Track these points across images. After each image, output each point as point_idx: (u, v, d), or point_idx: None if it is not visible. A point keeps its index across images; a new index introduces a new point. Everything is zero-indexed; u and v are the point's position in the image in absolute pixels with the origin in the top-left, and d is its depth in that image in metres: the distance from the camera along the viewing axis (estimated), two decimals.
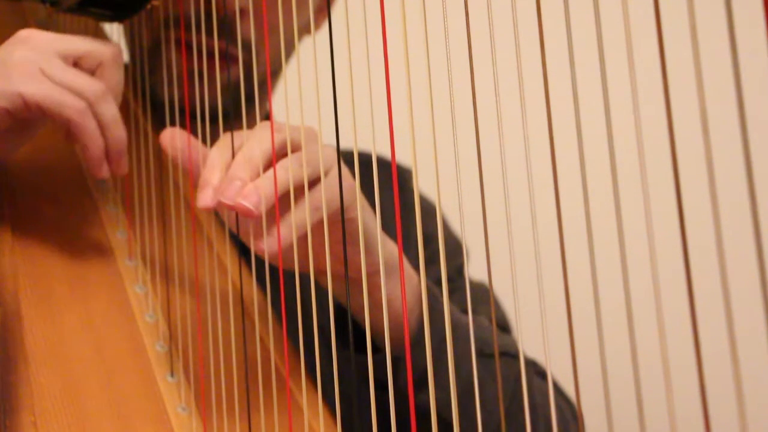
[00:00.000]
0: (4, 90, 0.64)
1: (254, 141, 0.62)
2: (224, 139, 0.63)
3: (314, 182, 0.61)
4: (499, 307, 0.97)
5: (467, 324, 0.75)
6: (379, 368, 0.54)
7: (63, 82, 0.65)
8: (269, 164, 0.60)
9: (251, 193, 0.58)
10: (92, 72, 0.68)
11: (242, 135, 0.63)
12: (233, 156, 0.62)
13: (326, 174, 0.62)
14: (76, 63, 0.68)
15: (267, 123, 0.63)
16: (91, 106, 0.66)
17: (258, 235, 0.59)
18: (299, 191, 0.60)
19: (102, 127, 0.66)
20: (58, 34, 0.68)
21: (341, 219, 0.58)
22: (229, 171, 0.60)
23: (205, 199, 0.60)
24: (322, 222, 0.60)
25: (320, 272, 0.68)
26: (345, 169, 0.63)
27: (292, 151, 0.61)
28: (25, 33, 0.67)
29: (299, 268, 0.60)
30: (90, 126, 0.66)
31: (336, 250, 0.64)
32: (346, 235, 0.58)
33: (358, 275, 0.65)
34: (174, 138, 0.66)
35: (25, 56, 0.65)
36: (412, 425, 0.46)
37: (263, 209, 0.58)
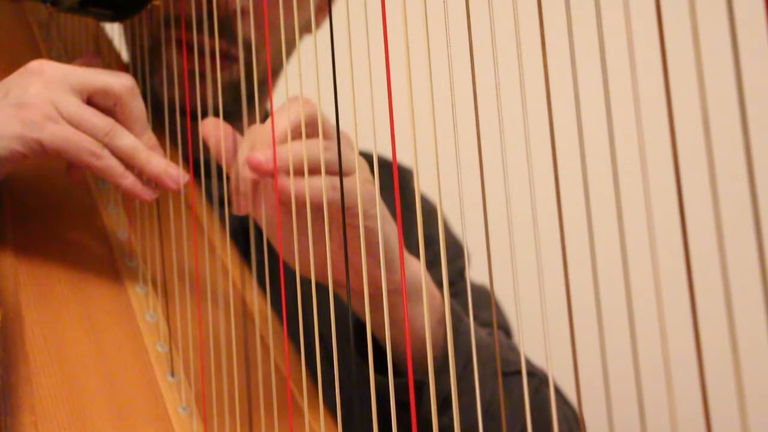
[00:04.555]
0: (23, 136, 0.63)
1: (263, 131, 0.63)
2: (246, 138, 0.65)
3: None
4: (500, 310, 0.97)
5: (487, 345, 0.75)
6: (397, 392, 0.54)
7: (79, 123, 0.65)
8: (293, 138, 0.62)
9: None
10: (109, 108, 0.68)
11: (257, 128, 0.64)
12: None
13: (350, 175, 0.62)
14: (90, 97, 0.67)
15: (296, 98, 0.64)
16: (106, 145, 0.66)
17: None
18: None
19: (125, 159, 0.66)
20: (70, 66, 0.68)
21: (342, 222, 0.58)
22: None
23: (238, 207, 0.64)
24: (338, 229, 0.60)
25: (339, 285, 0.68)
26: (369, 176, 0.64)
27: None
28: (37, 65, 0.66)
29: (305, 274, 0.60)
30: (110, 165, 0.66)
31: (356, 264, 0.64)
32: (363, 244, 0.58)
33: (375, 291, 0.63)
34: (217, 128, 0.67)
35: (41, 95, 0.65)
36: None
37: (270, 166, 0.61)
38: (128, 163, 0.67)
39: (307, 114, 0.63)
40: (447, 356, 0.70)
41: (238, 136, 0.67)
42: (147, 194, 0.68)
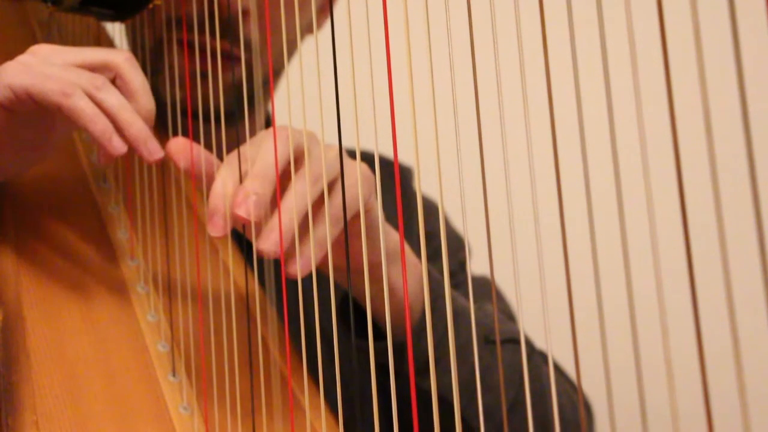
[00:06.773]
0: None
1: (263, 155, 0.61)
2: (230, 159, 0.62)
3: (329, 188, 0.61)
4: (502, 299, 0.97)
5: (472, 310, 0.75)
6: (384, 355, 0.55)
7: (58, 75, 0.64)
8: (282, 175, 0.60)
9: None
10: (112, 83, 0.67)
11: (245, 148, 0.63)
12: (240, 174, 0.61)
13: (334, 184, 0.62)
14: None
15: (269, 133, 0.63)
16: (92, 96, 0.64)
17: (289, 258, 0.60)
18: (316, 204, 0.60)
19: (108, 113, 0.64)
20: (66, 47, 0.67)
21: (343, 219, 0.58)
22: (245, 185, 0.59)
23: (217, 227, 0.59)
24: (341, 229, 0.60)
25: (337, 270, 0.68)
26: (352, 164, 0.63)
27: (297, 157, 0.61)
28: (34, 47, 0.66)
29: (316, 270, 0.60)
30: (80, 105, 0.63)
31: (344, 242, 0.65)
32: (361, 229, 0.58)
33: (362, 265, 0.64)
34: (186, 149, 0.65)
35: (26, 59, 0.65)
36: (413, 412, 0.46)
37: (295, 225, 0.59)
38: (112, 121, 0.64)
39: (294, 147, 0.62)
40: (432, 319, 0.71)
41: (214, 158, 0.66)
42: (116, 145, 0.64)
